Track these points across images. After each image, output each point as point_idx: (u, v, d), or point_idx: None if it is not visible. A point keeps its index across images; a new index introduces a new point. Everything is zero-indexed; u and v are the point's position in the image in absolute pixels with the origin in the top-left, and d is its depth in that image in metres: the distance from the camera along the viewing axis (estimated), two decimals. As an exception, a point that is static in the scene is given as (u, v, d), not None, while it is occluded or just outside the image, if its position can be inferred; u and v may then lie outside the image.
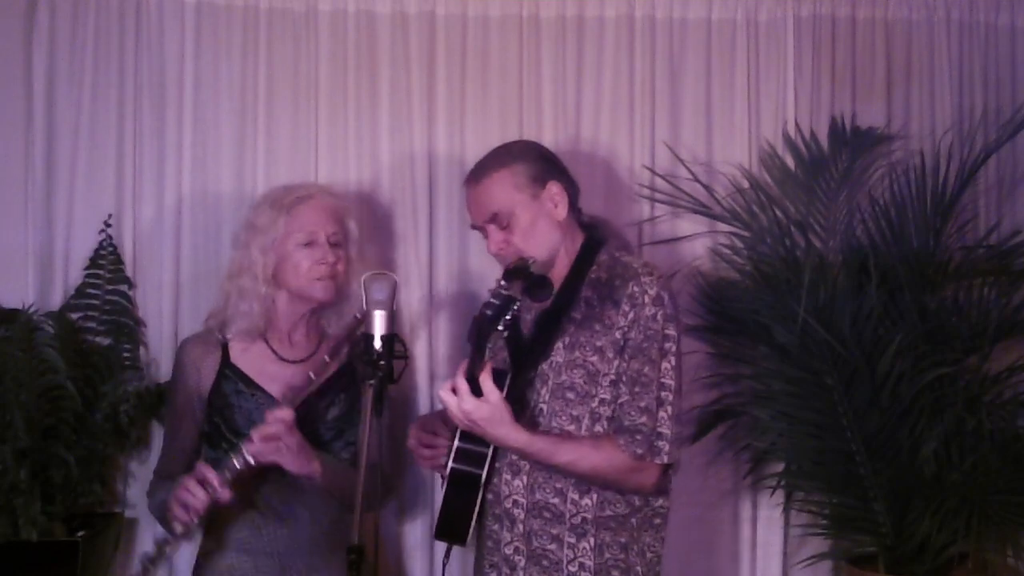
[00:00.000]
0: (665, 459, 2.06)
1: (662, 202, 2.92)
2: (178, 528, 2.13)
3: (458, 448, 2.07)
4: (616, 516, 2.10)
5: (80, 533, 2.53)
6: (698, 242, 2.96)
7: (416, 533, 2.84)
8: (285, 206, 2.33)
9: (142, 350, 2.75)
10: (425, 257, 2.85)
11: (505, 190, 2.12)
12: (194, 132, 2.79)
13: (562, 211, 2.17)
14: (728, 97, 2.98)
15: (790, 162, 2.97)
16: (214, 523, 2.33)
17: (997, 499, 2.66)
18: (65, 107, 2.75)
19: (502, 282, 1.88)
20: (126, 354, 2.72)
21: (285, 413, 2.14)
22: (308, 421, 2.29)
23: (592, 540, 2.08)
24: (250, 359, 2.36)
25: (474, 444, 2.05)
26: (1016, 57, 3.13)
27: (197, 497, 2.10)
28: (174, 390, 2.41)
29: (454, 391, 1.94)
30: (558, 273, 2.16)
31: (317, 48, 2.84)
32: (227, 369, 2.35)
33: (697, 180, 2.92)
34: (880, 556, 2.81)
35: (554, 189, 2.16)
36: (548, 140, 2.87)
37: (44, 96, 2.74)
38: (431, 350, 2.84)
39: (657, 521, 2.16)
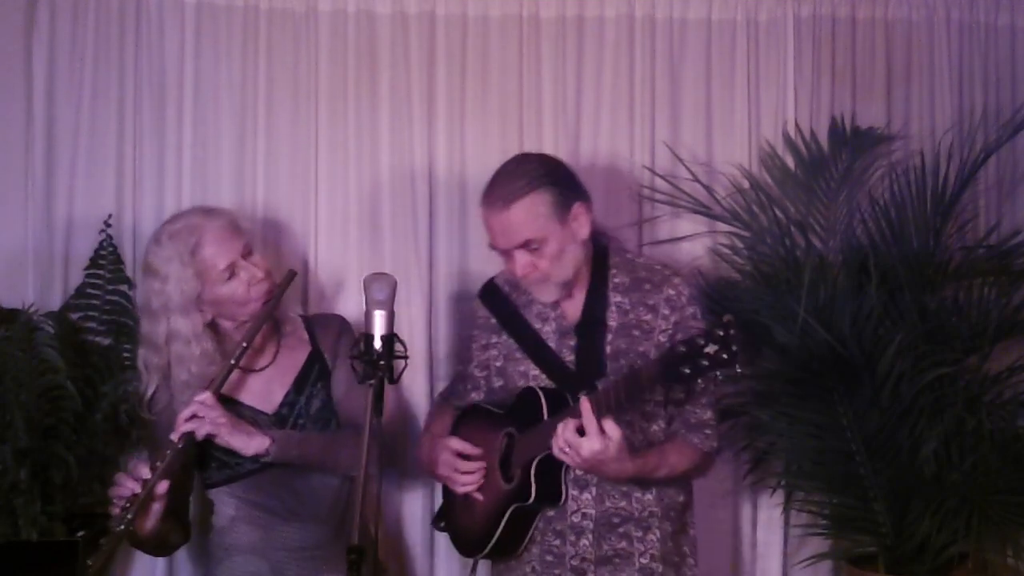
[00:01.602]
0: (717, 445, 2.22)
1: (662, 202, 2.91)
2: (115, 524, 2.07)
3: (537, 476, 2.09)
4: (673, 504, 2.21)
5: (80, 533, 2.53)
6: (698, 242, 2.96)
7: (416, 532, 2.84)
8: (186, 260, 2.21)
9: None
10: (425, 257, 2.85)
11: (535, 218, 2.09)
12: (194, 132, 2.79)
13: (585, 231, 2.16)
14: (728, 97, 2.98)
15: (790, 162, 2.97)
16: (220, 531, 2.33)
17: (997, 499, 2.66)
18: (65, 107, 2.75)
19: (703, 341, 1.79)
20: (126, 354, 2.71)
21: (203, 396, 2.14)
22: (295, 419, 2.30)
23: (657, 532, 2.18)
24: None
25: (551, 468, 2.09)
26: (1016, 57, 3.14)
27: (125, 487, 2.08)
28: (159, 423, 2.35)
29: (580, 431, 1.94)
30: (581, 283, 2.19)
31: (317, 48, 2.84)
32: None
33: (697, 180, 2.92)
34: (880, 556, 2.81)
35: (578, 211, 2.14)
36: (548, 140, 2.89)
37: (44, 96, 2.74)
38: (431, 350, 2.84)
39: (688, 498, 2.28)
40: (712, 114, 2.98)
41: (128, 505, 2.06)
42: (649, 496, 2.18)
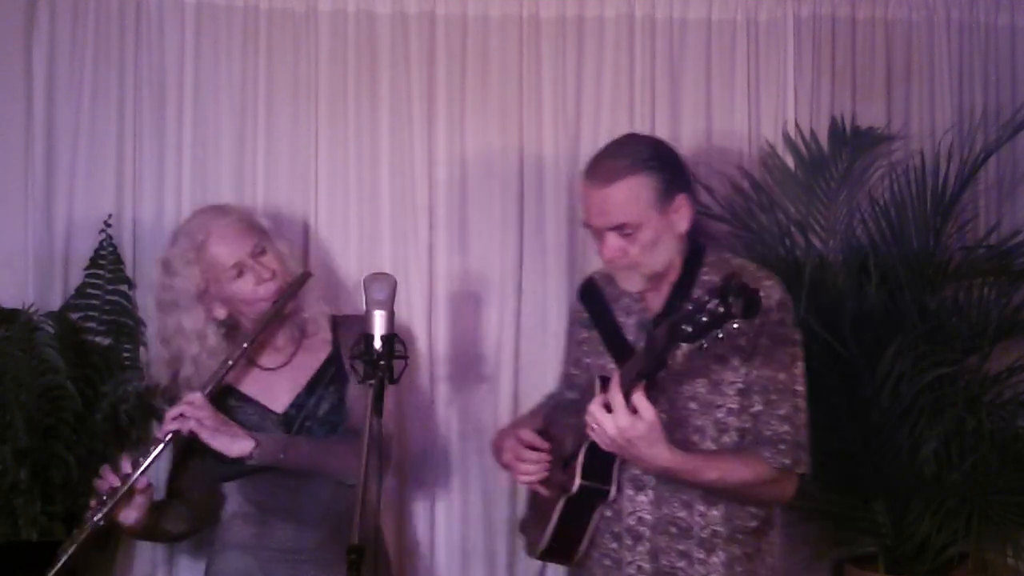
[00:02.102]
0: (803, 468, 1.98)
1: (662, 202, 2.91)
2: (90, 516, 2.11)
3: (584, 464, 1.98)
4: (743, 527, 2.03)
5: (80, 533, 2.53)
6: (698, 242, 2.95)
7: (416, 533, 2.84)
8: (192, 257, 2.24)
9: (142, 350, 2.75)
10: (425, 257, 2.85)
11: (637, 202, 1.97)
12: (194, 132, 2.79)
13: (684, 224, 2.03)
14: (728, 97, 2.98)
15: (790, 162, 2.97)
16: (222, 525, 2.33)
17: (997, 499, 2.66)
18: (65, 107, 2.75)
19: (707, 298, 1.69)
20: (126, 354, 2.72)
21: (193, 396, 2.16)
22: (302, 420, 2.29)
23: (722, 555, 2.00)
24: (241, 375, 2.31)
25: (600, 460, 1.96)
26: (1016, 57, 3.14)
27: (106, 480, 2.12)
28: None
29: (607, 407, 1.82)
30: (671, 278, 2.07)
31: (317, 48, 2.84)
32: (225, 387, 2.30)
33: (697, 180, 2.92)
34: (880, 556, 2.81)
35: (681, 202, 2.01)
36: (548, 140, 2.89)
37: (44, 96, 2.75)
38: (431, 350, 2.84)
39: (763, 524, 2.08)
40: (712, 114, 2.98)
41: (106, 499, 2.09)
42: (715, 513, 2.00)
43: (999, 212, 3.08)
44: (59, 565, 2.07)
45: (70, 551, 2.07)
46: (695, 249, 2.09)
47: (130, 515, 2.13)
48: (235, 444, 2.16)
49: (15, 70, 2.76)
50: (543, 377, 2.87)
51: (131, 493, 2.11)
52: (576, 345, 2.26)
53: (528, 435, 2.14)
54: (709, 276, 2.05)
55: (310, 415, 2.30)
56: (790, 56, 3.00)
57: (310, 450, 2.24)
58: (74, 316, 2.70)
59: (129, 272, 2.75)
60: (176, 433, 2.14)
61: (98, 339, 2.70)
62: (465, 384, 2.85)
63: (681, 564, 2.00)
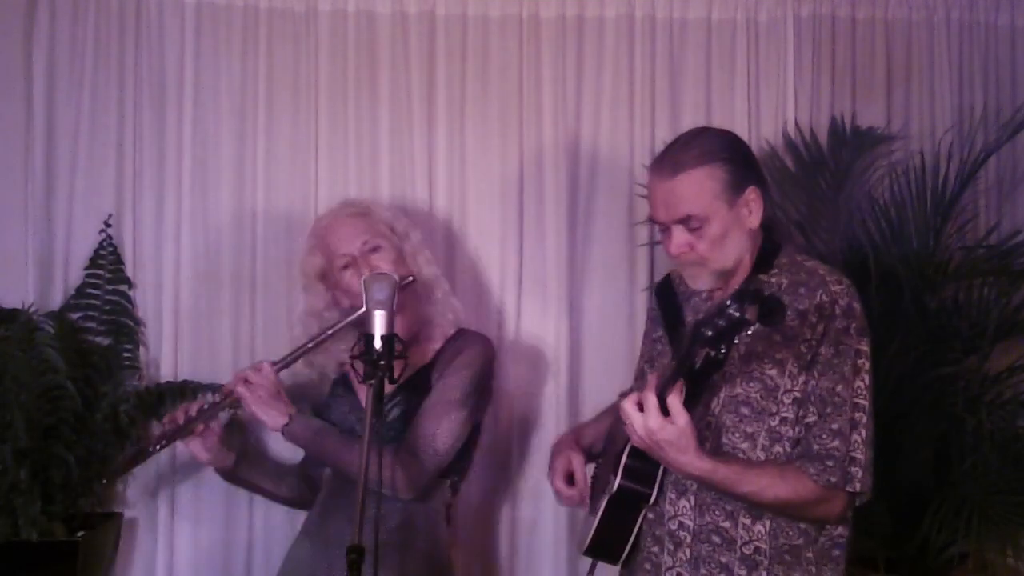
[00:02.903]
0: (858, 487, 1.87)
1: (662, 202, 2.91)
2: (148, 444, 2.40)
3: (626, 465, 1.94)
4: (792, 547, 1.92)
5: (80, 533, 2.53)
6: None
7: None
8: (314, 245, 2.39)
9: (142, 350, 2.76)
10: (425, 257, 2.86)
11: (703, 194, 1.90)
12: (194, 132, 2.79)
13: (755, 219, 1.95)
14: (728, 97, 2.98)
15: (790, 162, 2.97)
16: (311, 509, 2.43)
17: (997, 499, 2.65)
18: (65, 107, 2.76)
19: (728, 302, 1.65)
20: (126, 354, 2.72)
21: (262, 364, 2.27)
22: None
23: (765, 574, 1.91)
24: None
25: (643, 461, 1.91)
26: (1016, 57, 3.14)
27: (173, 419, 2.35)
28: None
29: (640, 406, 1.78)
30: (740, 277, 1.98)
31: (317, 48, 2.84)
32: (341, 375, 2.45)
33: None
34: (880, 556, 2.81)
35: (751, 196, 1.93)
36: (548, 140, 2.89)
37: (44, 96, 2.75)
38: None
39: (836, 552, 1.96)
40: (712, 114, 2.98)
41: (166, 430, 2.35)
42: (760, 528, 1.90)
43: (999, 212, 3.08)
44: (109, 479, 2.54)
45: (122, 470, 2.48)
46: (768, 249, 2.00)
47: (201, 453, 2.39)
48: (271, 417, 2.25)
49: (15, 70, 2.76)
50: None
51: (188, 432, 2.35)
52: (651, 342, 2.20)
53: (565, 455, 2.21)
54: (778, 278, 1.97)
55: (381, 418, 2.28)
56: (790, 56, 3.00)
57: (337, 444, 2.26)
58: (74, 316, 2.70)
59: (129, 272, 2.75)
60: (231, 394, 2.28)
61: (98, 339, 2.71)
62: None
63: None
